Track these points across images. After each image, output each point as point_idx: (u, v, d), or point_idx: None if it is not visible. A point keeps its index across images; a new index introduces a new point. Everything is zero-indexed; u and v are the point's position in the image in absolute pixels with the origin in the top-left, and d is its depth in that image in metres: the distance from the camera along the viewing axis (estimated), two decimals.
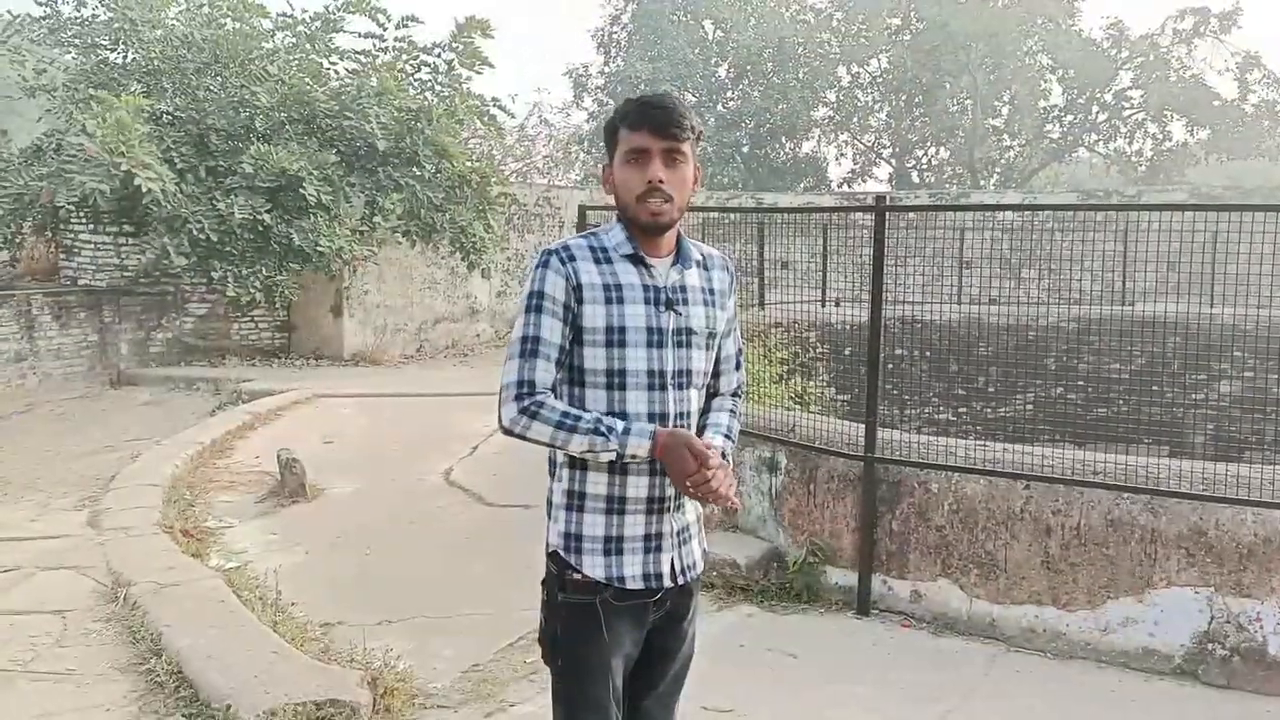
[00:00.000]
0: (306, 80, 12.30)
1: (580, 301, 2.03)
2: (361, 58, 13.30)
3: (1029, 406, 12.80)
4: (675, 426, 2.07)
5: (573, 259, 2.05)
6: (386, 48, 13.34)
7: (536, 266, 2.06)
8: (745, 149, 27.20)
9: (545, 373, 2.02)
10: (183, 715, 3.25)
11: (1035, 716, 3.76)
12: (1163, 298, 13.22)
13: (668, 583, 2.11)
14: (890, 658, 4.24)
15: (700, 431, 2.18)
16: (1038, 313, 13.49)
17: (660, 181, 2.03)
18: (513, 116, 15.71)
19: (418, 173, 12.06)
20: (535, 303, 2.03)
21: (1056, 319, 13.75)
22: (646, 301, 2.07)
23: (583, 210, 6.18)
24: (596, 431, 1.98)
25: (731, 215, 10.97)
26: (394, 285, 13.90)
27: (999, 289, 14.72)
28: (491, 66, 13.57)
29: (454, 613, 4.51)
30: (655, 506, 2.09)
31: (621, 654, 2.10)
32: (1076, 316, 13.68)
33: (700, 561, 2.22)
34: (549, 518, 2.14)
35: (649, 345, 2.06)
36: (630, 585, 2.07)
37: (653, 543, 2.10)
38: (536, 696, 3.66)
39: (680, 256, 2.13)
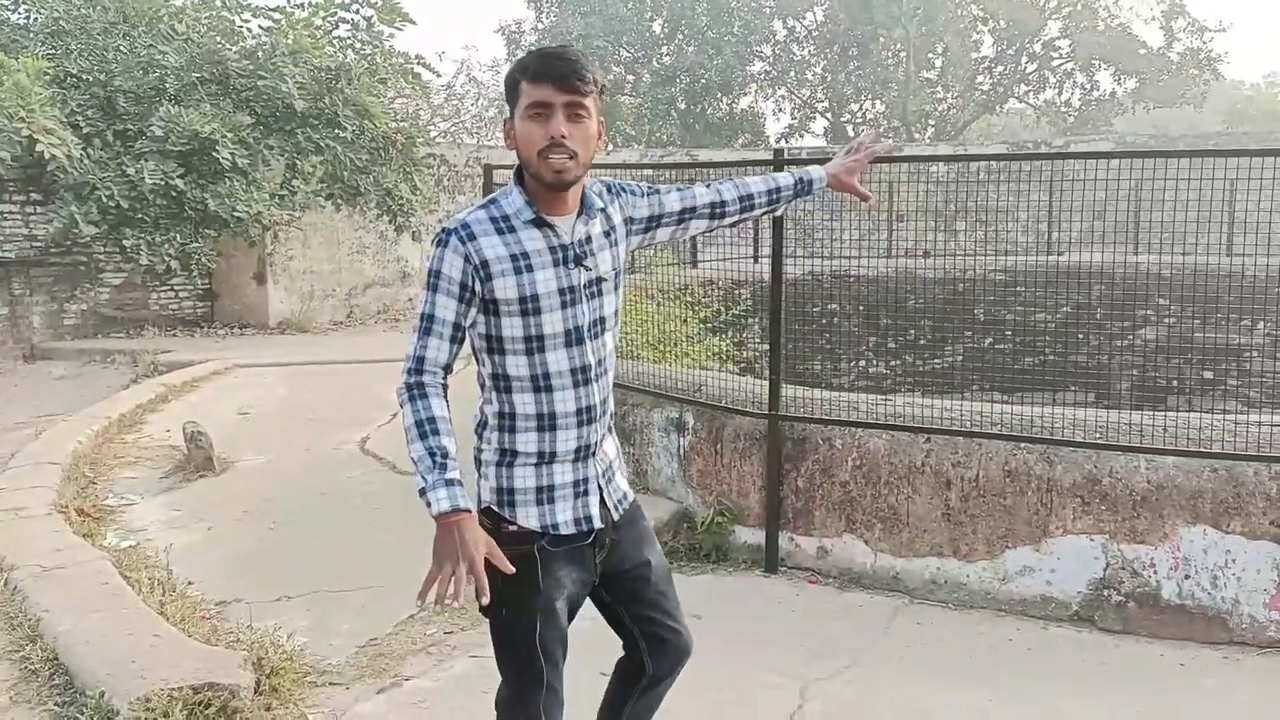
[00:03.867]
0: (218, 39, 11.88)
1: (488, 278, 2.04)
2: (275, 15, 12.86)
3: (960, 358, 12.97)
4: (595, 374, 2.14)
5: (472, 236, 2.05)
6: (302, 4, 12.92)
7: (436, 244, 2.07)
8: (681, 105, 26.97)
9: (438, 350, 2.06)
10: (55, 703, 3.14)
11: (934, 667, 3.79)
12: (1090, 247, 13.42)
13: (598, 524, 2.17)
14: (796, 615, 4.25)
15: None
16: (968, 265, 13.61)
17: (563, 137, 2.01)
18: (439, 75, 15.33)
19: (339, 134, 11.74)
20: (433, 281, 2.06)
21: (986, 270, 13.87)
22: (555, 263, 2.08)
23: (488, 170, 6.02)
24: (431, 456, 1.99)
25: (647, 172, 10.86)
26: (320, 250, 13.59)
27: (932, 241, 14.80)
28: (413, 23, 13.19)
29: (356, 585, 4.42)
30: (581, 455, 2.15)
31: (564, 596, 2.16)
32: (1005, 267, 13.82)
33: (630, 492, 2.31)
34: (479, 475, 2.17)
35: (564, 306, 2.09)
36: (563, 530, 2.14)
37: (580, 488, 2.16)
38: (433, 670, 3.61)
39: (585, 208, 2.14)
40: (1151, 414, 4.12)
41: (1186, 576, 3.92)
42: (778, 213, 2.71)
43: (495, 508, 2.14)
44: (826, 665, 3.78)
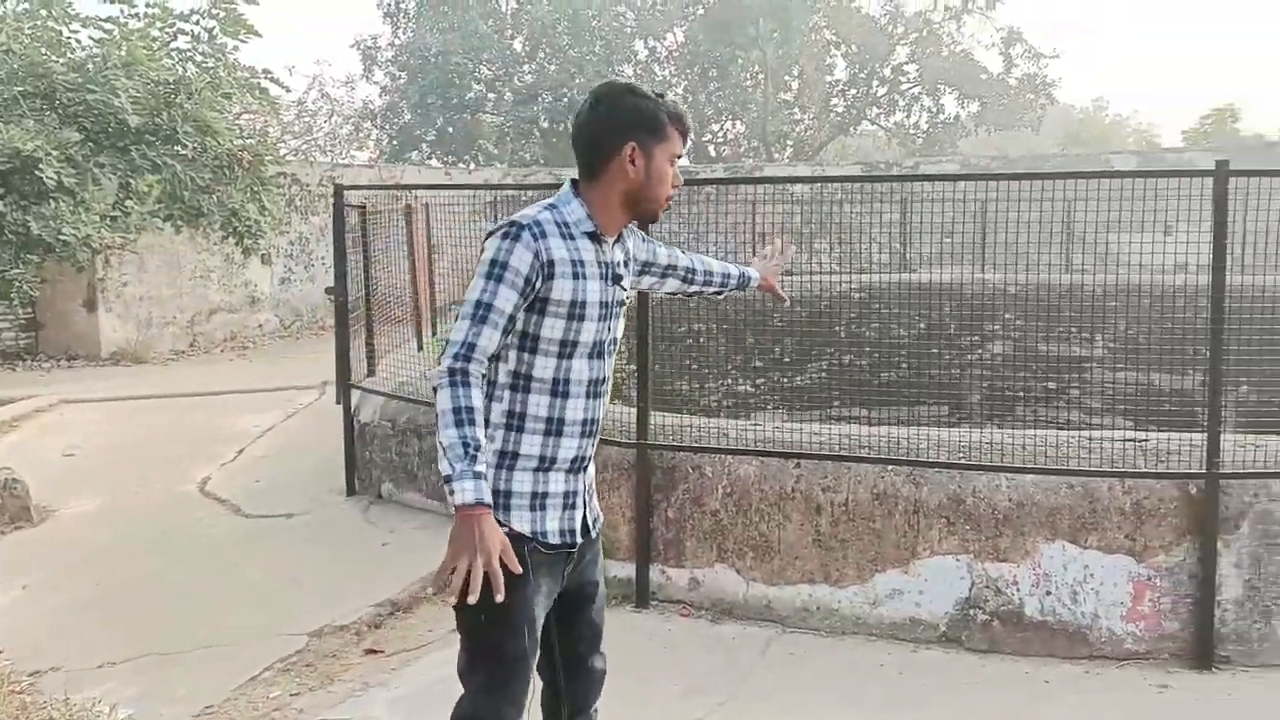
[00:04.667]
0: (42, 49, 11.04)
1: (551, 277, 2.11)
2: (108, 25, 12.07)
3: (823, 375, 13.20)
4: (600, 389, 2.24)
5: (544, 235, 2.12)
6: (137, 14, 12.17)
7: (503, 237, 2.11)
8: (544, 124, 26.81)
9: (489, 340, 2.09)
10: None
11: (807, 698, 3.71)
12: (942, 265, 13.90)
13: (579, 537, 2.23)
14: (667, 650, 4.11)
15: (704, 276, 2.70)
16: (828, 282, 13.89)
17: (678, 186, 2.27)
18: (288, 90, 14.72)
19: (179, 151, 11.08)
20: (498, 272, 2.09)
21: (845, 288, 14.18)
22: (601, 277, 2.19)
23: (339, 191, 5.72)
24: (464, 445, 1.99)
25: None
26: (159, 275, 12.80)
27: (793, 261, 15.04)
28: (258, 35, 12.59)
29: (196, 644, 4.05)
30: (576, 466, 2.22)
31: (541, 605, 2.19)
32: (863, 285, 14.17)
33: (601, 513, 2.39)
34: None
35: (600, 318, 2.19)
36: (551, 539, 2.18)
37: (569, 500, 2.22)
38: None
39: (622, 234, 2.30)
40: (1012, 432, 4.18)
41: (1048, 593, 3.97)
42: (718, 297, 2.86)
43: (493, 508, 2.12)
44: (701, 702, 3.66)
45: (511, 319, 2.11)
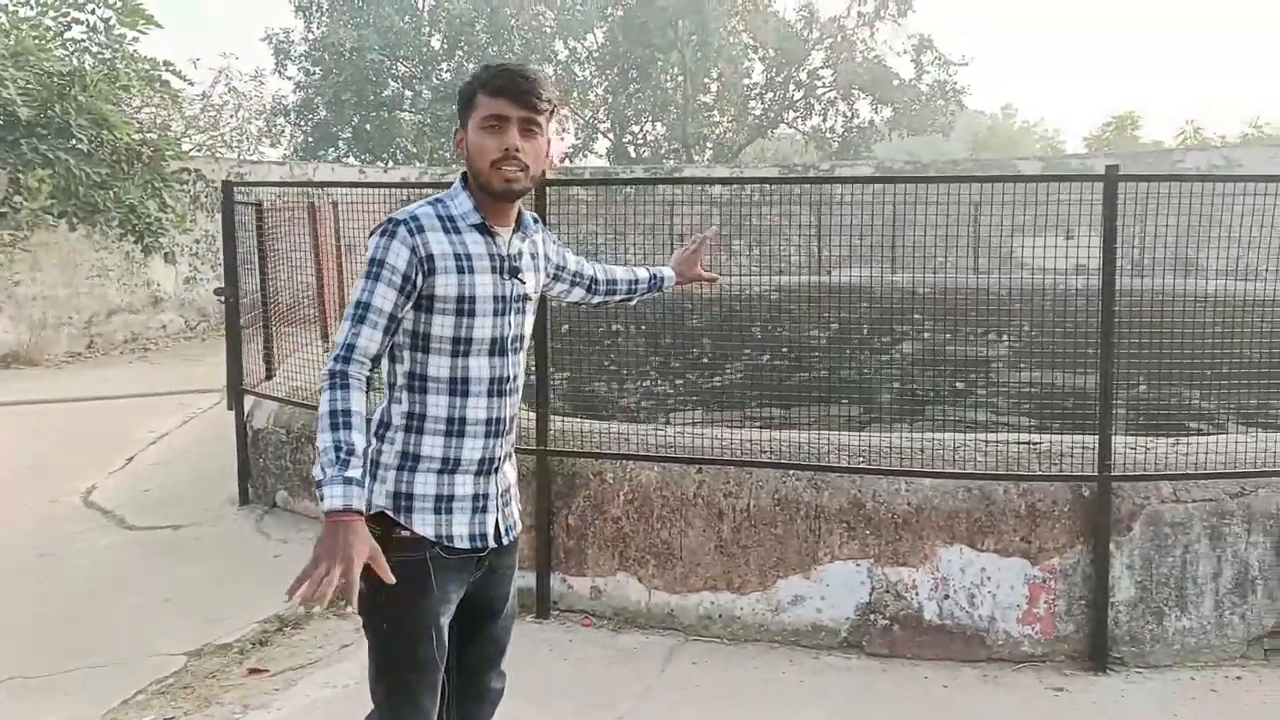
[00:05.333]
0: None
1: (431, 272, 2.05)
2: None
3: (739, 375, 13.24)
4: (510, 387, 2.18)
5: (421, 230, 2.07)
6: (29, 2, 11.62)
7: (380, 234, 2.06)
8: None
9: (370, 340, 2.04)
10: None
11: (708, 709, 3.65)
12: (855, 266, 14.06)
13: (490, 542, 2.16)
14: (570, 663, 4.01)
15: (612, 286, 2.69)
16: (745, 283, 13.95)
17: (516, 150, 2.07)
18: (191, 83, 14.20)
19: (73, 145, 10.61)
20: (375, 270, 2.04)
21: (761, 289, 14.25)
22: (493, 270, 2.12)
23: (228, 187, 5.48)
24: (336, 449, 1.94)
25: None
26: (53, 274, 12.24)
27: (713, 261, 15.07)
28: (158, 25, 12.16)
29: (64, 667, 3.81)
30: (484, 468, 2.16)
31: (447, 612, 2.13)
32: (779, 286, 14.27)
33: (519, 522, 2.31)
34: (373, 479, 2.10)
35: (495, 314, 2.12)
36: (458, 544, 2.12)
37: (479, 503, 2.15)
38: None
39: (521, 225, 2.21)
40: (912, 435, 4.18)
41: (946, 596, 3.98)
42: (631, 303, 2.84)
43: (390, 513, 2.09)
44: (601, 717, 3.57)
45: (394, 318, 2.06)
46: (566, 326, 12.41)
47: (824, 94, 27.12)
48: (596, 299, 2.67)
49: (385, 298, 2.04)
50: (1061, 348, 7.78)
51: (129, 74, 11.82)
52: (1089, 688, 3.78)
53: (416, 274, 2.05)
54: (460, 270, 2.08)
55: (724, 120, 28.95)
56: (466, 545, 2.13)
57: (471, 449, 2.14)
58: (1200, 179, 4.11)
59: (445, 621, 2.13)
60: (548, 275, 2.45)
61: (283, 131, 26.71)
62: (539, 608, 4.32)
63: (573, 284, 2.60)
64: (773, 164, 24.79)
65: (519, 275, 2.18)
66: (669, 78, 27.43)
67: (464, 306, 2.09)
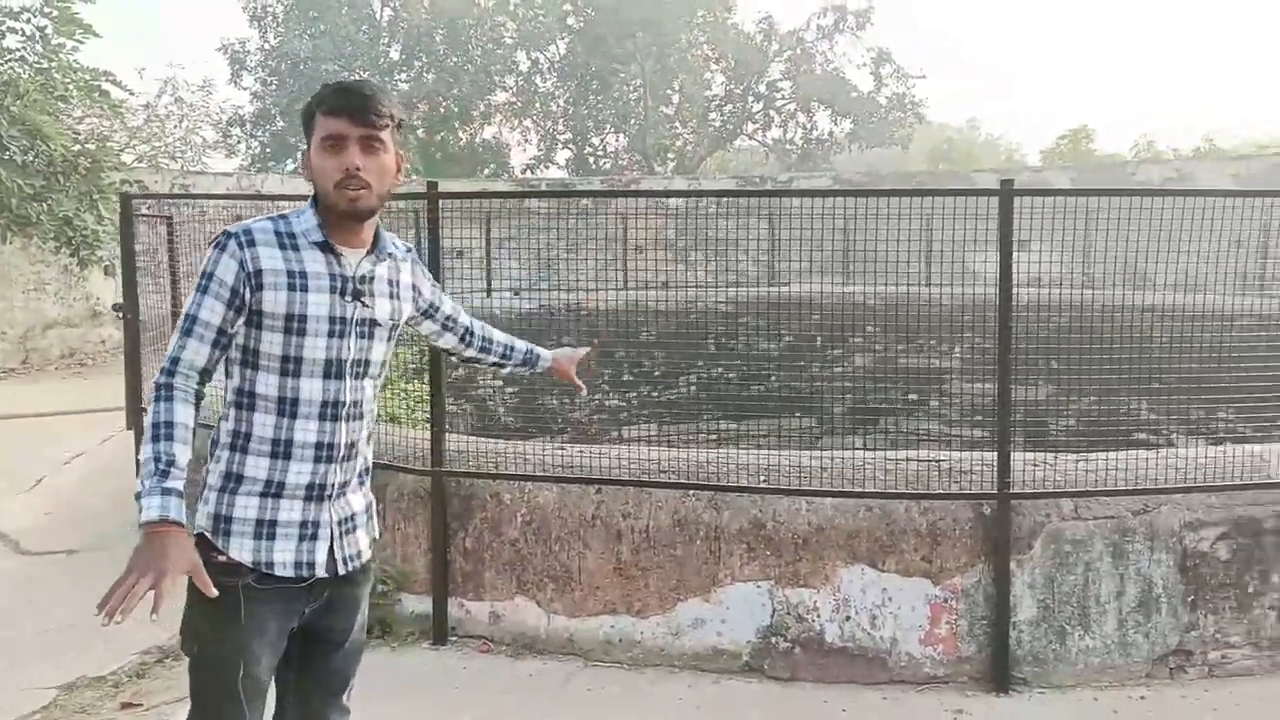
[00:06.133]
0: None
1: (260, 287, 2.01)
2: None
3: (693, 388, 13.18)
4: (348, 413, 2.10)
5: (252, 244, 2.03)
6: None
7: (213, 247, 2.03)
8: (420, 134, 26.29)
9: (196, 353, 2.01)
10: None
11: None
12: (810, 278, 14.05)
13: (321, 571, 2.08)
14: (464, 691, 3.87)
15: (484, 345, 2.62)
16: (699, 296, 13.91)
17: (357, 169, 2.02)
18: (133, 94, 13.94)
19: (6, 156, 10.36)
20: (204, 283, 2.02)
21: (715, 301, 14.22)
22: (332, 290, 2.06)
23: (126, 200, 5.32)
24: (156, 461, 1.90)
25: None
26: None
27: (668, 273, 15.07)
28: (95, 35, 11.91)
29: None
30: (315, 494, 2.08)
31: (265, 642, 2.05)
32: (733, 299, 14.24)
33: (366, 551, 2.21)
34: (200, 500, 2.05)
35: (330, 335, 2.06)
36: (279, 571, 2.04)
37: (309, 530, 2.07)
38: None
39: (376, 248, 2.14)
40: (814, 454, 4.10)
41: (848, 618, 3.89)
42: (502, 371, 2.81)
43: (209, 534, 2.03)
44: None
45: (222, 331, 2.03)
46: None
47: (783, 106, 27.22)
48: (469, 352, 2.60)
49: (212, 311, 2.01)
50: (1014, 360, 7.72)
51: (67, 84, 11.59)
52: (989, 709, 3.70)
53: (244, 288, 2.01)
54: (291, 287, 2.03)
55: (685, 132, 28.97)
56: (290, 573, 2.05)
57: (298, 473, 2.06)
58: (1095, 193, 4.08)
59: (264, 652, 2.05)
60: (416, 309, 2.37)
61: (239, 142, 26.42)
62: (436, 633, 4.19)
63: (444, 328, 2.52)
64: (732, 175, 24.79)
65: (362, 298, 2.10)
66: (630, 89, 27.42)
67: (293, 325, 2.03)
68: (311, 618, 2.13)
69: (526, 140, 30.62)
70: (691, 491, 4.00)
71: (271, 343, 2.04)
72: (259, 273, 2.01)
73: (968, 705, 3.73)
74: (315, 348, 2.05)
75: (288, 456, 2.06)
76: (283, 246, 2.04)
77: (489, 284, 13.54)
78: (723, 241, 16.51)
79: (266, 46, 25.55)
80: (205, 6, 61.37)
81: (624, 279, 14.21)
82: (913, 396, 13.75)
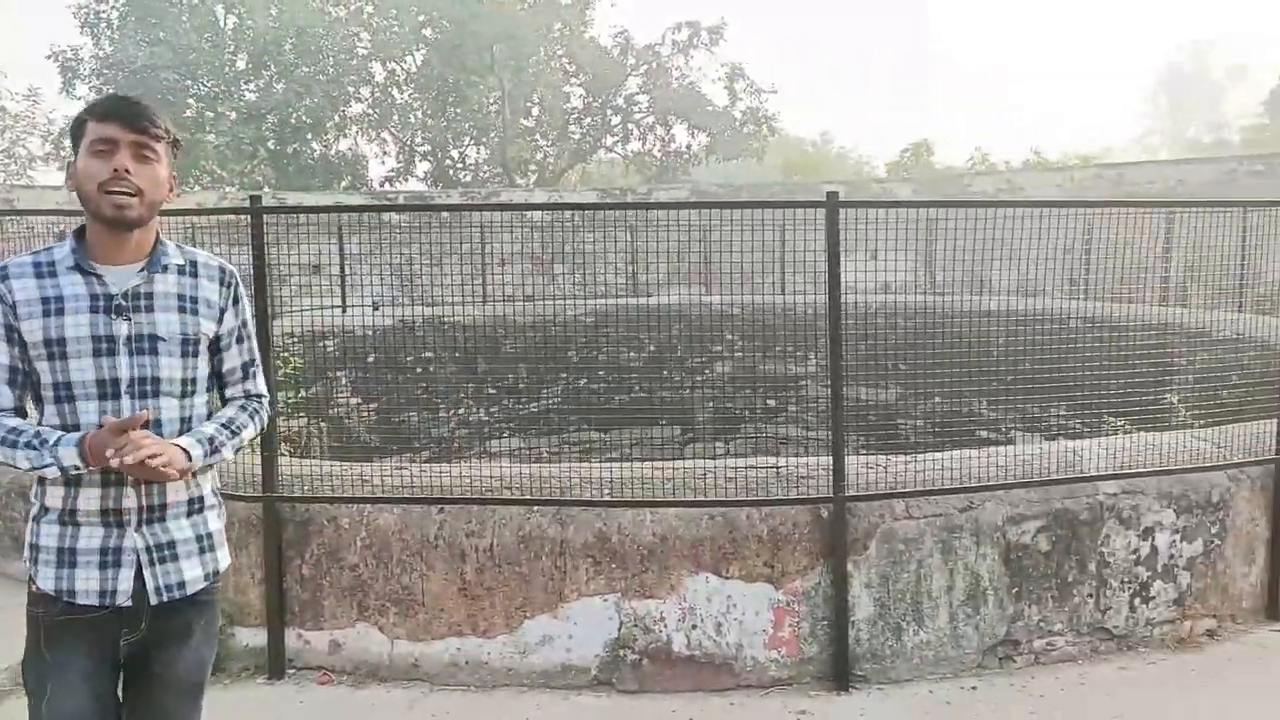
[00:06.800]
0: None
1: (19, 319, 2.02)
2: None
3: (557, 400, 13.13)
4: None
5: (7, 277, 2.04)
6: None
7: None
8: (271, 145, 25.38)
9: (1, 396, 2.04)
10: None
11: None
12: (672, 288, 14.21)
13: (125, 600, 2.04)
14: None
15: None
16: (561, 309, 13.88)
17: (126, 171, 2.01)
18: None
19: None
20: None
21: (577, 313, 14.22)
22: (94, 310, 2.03)
23: None
24: (31, 446, 1.99)
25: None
26: None
27: (532, 286, 14.99)
28: None
29: None
30: (112, 519, 2.05)
31: (74, 674, 2.03)
32: (595, 310, 14.27)
33: (197, 582, 2.16)
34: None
35: (96, 354, 2.03)
36: (81, 600, 2.03)
37: (110, 557, 2.05)
38: None
39: (151, 262, 2.10)
40: (657, 465, 4.11)
41: (694, 626, 3.91)
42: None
43: (28, 564, 2.08)
44: None
45: (14, 369, 2.06)
46: (374, 357, 12.03)
47: (642, 119, 27.50)
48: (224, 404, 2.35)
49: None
50: (863, 363, 7.96)
51: None
52: (831, 708, 3.79)
53: (13, 321, 2.04)
54: (46, 313, 2.03)
55: (545, 144, 28.92)
56: (93, 602, 2.03)
57: (89, 499, 2.05)
58: (921, 204, 4.25)
59: (75, 685, 2.03)
60: (217, 324, 2.21)
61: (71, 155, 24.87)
62: (272, 667, 4.01)
63: (225, 376, 2.28)
64: (594, 188, 24.89)
65: (127, 314, 2.07)
66: (489, 101, 27.19)
67: (54, 349, 2.03)
68: (135, 650, 2.10)
69: (385, 152, 29.99)
70: (536, 507, 3.96)
71: (44, 371, 2.05)
72: (15, 305, 2.03)
73: (810, 706, 3.81)
74: (82, 369, 2.04)
75: (77, 483, 2.05)
76: (39, 275, 2.05)
77: (344, 299, 13.19)
78: (585, 254, 16.57)
79: (101, 54, 24.19)
80: (30, 11, 57.63)
81: (485, 292, 14.10)
82: (771, 402, 14.10)
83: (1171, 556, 4.26)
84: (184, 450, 2.05)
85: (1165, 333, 8.52)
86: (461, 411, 12.76)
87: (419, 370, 12.65)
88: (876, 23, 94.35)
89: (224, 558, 2.25)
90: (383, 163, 41.05)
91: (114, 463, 1.93)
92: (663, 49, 27.00)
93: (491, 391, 12.91)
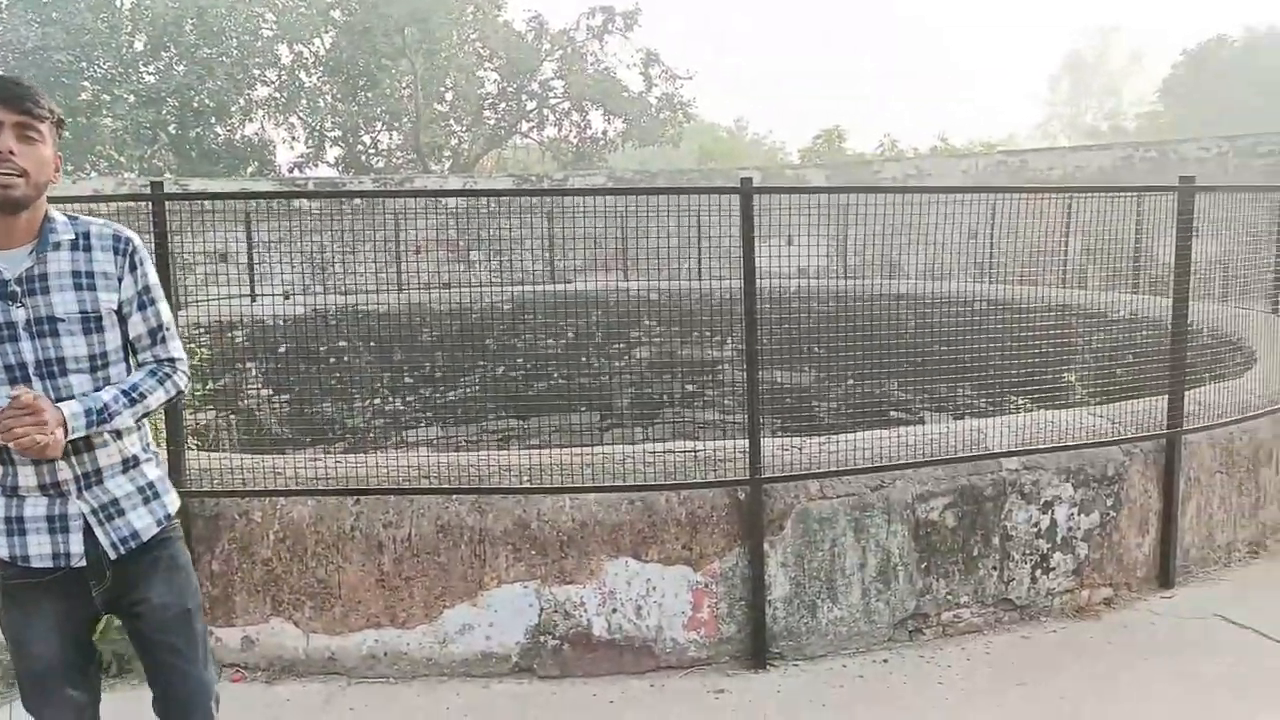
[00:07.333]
0: None
1: None
2: None
3: (476, 388, 13.03)
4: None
5: None
6: None
7: None
8: (173, 129, 24.53)
9: None
10: None
11: None
12: (591, 275, 14.20)
13: (77, 562, 2.17)
14: None
15: None
16: (479, 295, 13.76)
17: (11, 153, 2.01)
18: None
19: None
20: None
21: (495, 300, 14.11)
22: None
23: None
24: None
25: None
26: None
27: (448, 273, 14.82)
28: None
29: None
30: (52, 491, 2.15)
31: (48, 627, 2.18)
32: (513, 297, 14.19)
33: (149, 529, 2.27)
34: None
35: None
36: (36, 564, 2.16)
37: (57, 524, 2.16)
38: None
39: (40, 241, 2.12)
40: (574, 452, 4.13)
41: (614, 610, 3.95)
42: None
43: None
44: None
45: None
46: (284, 347, 11.77)
47: (557, 105, 27.35)
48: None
49: None
50: (778, 347, 8.08)
51: None
52: (748, 685, 3.87)
53: None
54: None
55: (460, 130, 28.55)
56: (49, 564, 2.16)
57: (26, 475, 2.14)
58: (833, 190, 4.34)
59: (50, 636, 2.19)
60: (118, 294, 2.22)
61: None
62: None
63: (133, 343, 2.30)
64: (510, 174, 24.68)
65: (21, 300, 2.08)
66: (401, 85, 26.71)
67: None
68: (109, 599, 2.25)
69: (293, 137, 29.25)
70: (455, 496, 3.94)
71: None
72: None
73: (728, 684, 3.88)
74: None
75: (11, 462, 2.13)
76: None
77: (253, 288, 12.87)
78: (503, 241, 16.43)
79: None
80: None
81: (400, 280, 13.90)
82: (690, 387, 14.23)
83: (1070, 529, 4.45)
84: (63, 420, 2.08)
85: (1065, 314, 8.86)
86: (377, 401, 12.59)
87: (333, 360, 12.42)
88: (789, 10, 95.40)
89: (172, 501, 2.37)
90: (291, 148, 40.16)
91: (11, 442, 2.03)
92: (577, 34, 26.90)
93: (408, 380, 12.76)
